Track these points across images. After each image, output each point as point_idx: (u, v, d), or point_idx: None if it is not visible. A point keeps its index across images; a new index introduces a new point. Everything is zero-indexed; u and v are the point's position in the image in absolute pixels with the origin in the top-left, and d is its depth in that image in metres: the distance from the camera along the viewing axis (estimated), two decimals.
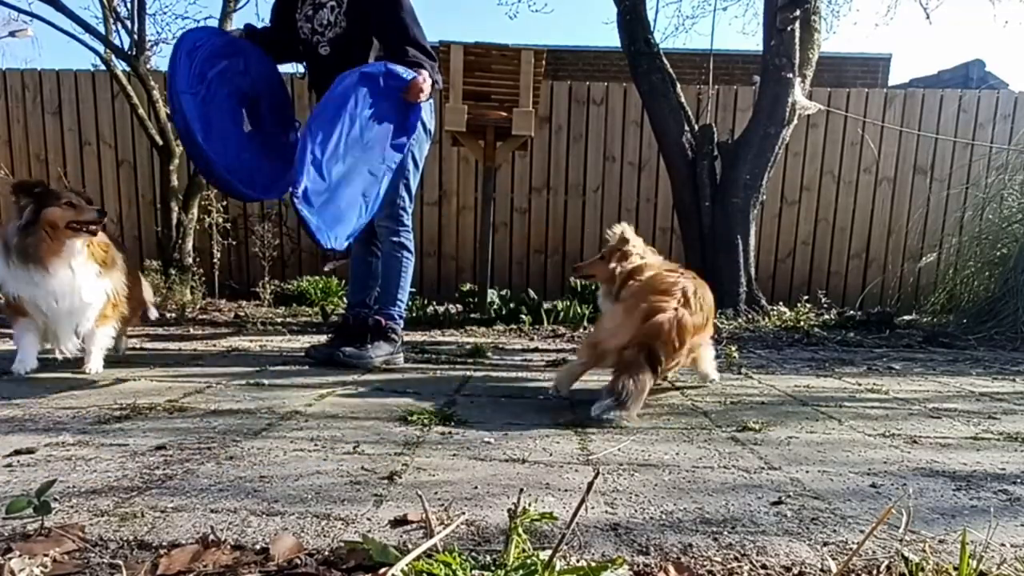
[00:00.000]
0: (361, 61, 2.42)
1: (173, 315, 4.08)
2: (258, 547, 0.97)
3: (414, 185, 2.72)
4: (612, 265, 2.25)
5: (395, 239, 2.68)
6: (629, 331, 1.89)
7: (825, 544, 1.03)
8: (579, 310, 4.26)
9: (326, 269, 2.66)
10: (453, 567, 0.84)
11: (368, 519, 1.09)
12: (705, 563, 0.96)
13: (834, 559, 0.97)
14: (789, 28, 4.19)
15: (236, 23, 5.33)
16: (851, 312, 4.57)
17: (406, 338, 3.01)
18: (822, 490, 1.28)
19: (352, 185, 2.34)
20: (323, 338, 3.00)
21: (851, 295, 5.94)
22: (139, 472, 1.29)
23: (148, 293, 2.86)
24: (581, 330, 3.94)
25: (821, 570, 0.95)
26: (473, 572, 0.86)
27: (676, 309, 1.91)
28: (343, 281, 5.16)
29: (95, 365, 2.33)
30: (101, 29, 4.87)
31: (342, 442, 1.54)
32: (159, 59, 7.45)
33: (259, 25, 2.88)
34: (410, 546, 0.95)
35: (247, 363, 2.64)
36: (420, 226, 5.90)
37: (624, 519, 1.11)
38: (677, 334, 1.88)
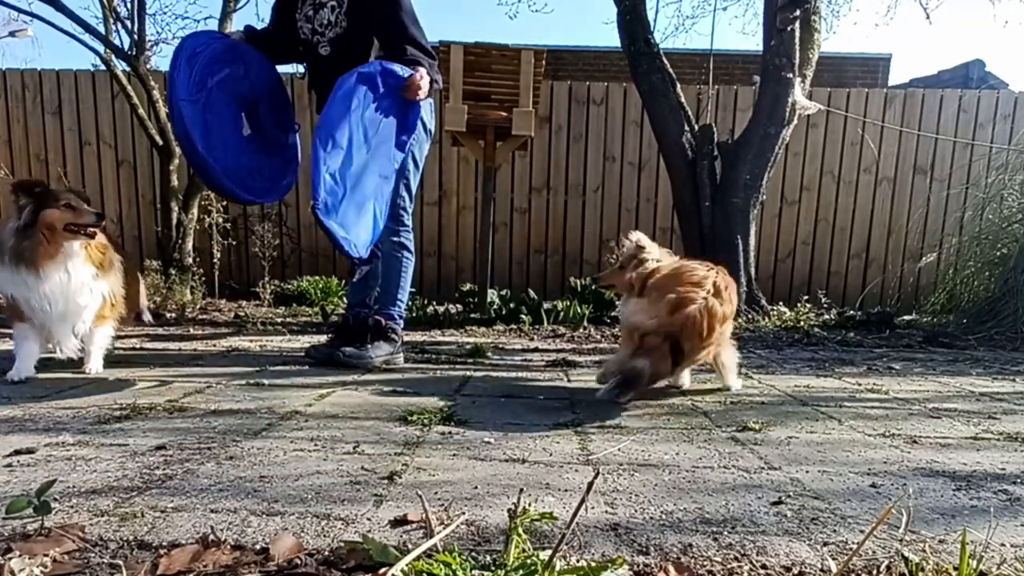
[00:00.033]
0: (361, 61, 2.42)
1: (173, 315, 4.08)
2: (258, 547, 0.97)
3: (414, 185, 2.72)
4: (629, 275, 2.25)
5: (395, 239, 2.68)
6: (655, 318, 1.94)
7: (825, 544, 1.03)
8: (579, 310, 4.26)
9: (355, 279, 2.68)
10: (453, 567, 0.84)
11: (368, 519, 1.09)
12: (705, 563, 0.96)
13: (834, 559, 0.97)
14: (789, 28, 4.19)
15: (236, 23, 5.34)
16: (851, 312, 4.58)
17: (406, 338, 3.01)
18: (822, 490, 1.28)
19: (367, 189, 2.35)
20: (323, 338, 3.00)
21: (851, 295, 5.94)
22: (139, 472, 1.29)
23: (143, 298, 2.87)
24: (581, 330, 3.94)
25: (821, 570, 0.95)
26: (473, 572, 0.86)
27: (705, 299, 1.95)
28: (343, 281, 5.16)
29: (95, 365, 2.33)
30: (101, 29, 4.87)
31: (342, 442, 1.54)
32: (159, 59, 7.45)
33: (259, 26, 2.88)
34: (410, 546, 0.95)
35: (247, 363, 2.64)
36: (420, 226, 5.90)
37: (624, 519, 1.11)
38: (707, 323, 1.92)
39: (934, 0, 12.06)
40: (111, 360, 2.47)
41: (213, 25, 5.48)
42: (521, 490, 1.08)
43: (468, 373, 2.53)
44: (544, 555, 0.86)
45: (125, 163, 5.98)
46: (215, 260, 5.30)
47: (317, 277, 5.35)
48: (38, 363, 2.25)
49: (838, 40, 30.10)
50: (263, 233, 5.07)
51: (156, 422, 1.69)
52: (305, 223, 6.02)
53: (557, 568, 0.84)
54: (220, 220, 5.41)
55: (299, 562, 0.93)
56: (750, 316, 4.42)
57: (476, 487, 1.25)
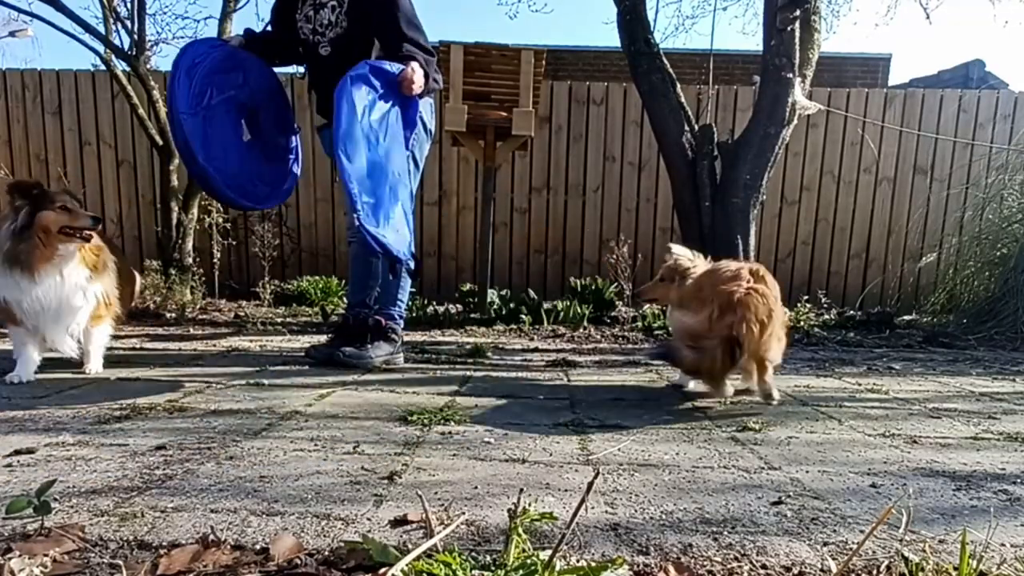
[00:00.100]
0: (362, 61, 2.42)
1: (173, 315, 4.08)
2: (258, 547, 0.97)
3: (414, 185, 2.72)
4: (676, 289, 2.25)
5: None
6: (706, 324, 1.93)
7: (825, 544, 1.03)
8: (579, 310, 4.26)
9: (393, 279, 2.69)
10: (453, 567, 0.84)
11: (368, 519, 1.09)
12: (705, 563, 0.96)
13: (834, 559, 0.97)
14: (789, 28, 4.18)
15: (236, 23, 5.33)
16: (851, 312, 4.58)
17: (406, 338, 3.01)
18: (822, 490, 1.28)
19: (394, 188, 2.37)
20: (323, 338, 3.00)
21: (851, 295, 5.94)
22: (139, 472, 1.29)
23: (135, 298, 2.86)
24: (581, 330, 3.94)
25: (821, 570, 0.95)
26: (473, 572, 0.86)
27: (748, 283, 1.94)
28: (343, 281, 5.16)
29: (95, 365, 2.33)
30: (101, 29, 4.86)
31: (342, 442, 1.54)
32: (159, 59, 7.45)
33: (259, 27, 2.89)
34: (410, 546, 0.95)
35: (247, 363, 2.64)
36: (420, 226, 5.90)
37: (624, 519, 1.11)
38: (763, 305, 1.89)
39: (934, 0, 12.05)
40: (111, 360, 2.47)
41: (213, 25, 5.48)
42: (521, 490, 1.08)
43: (468, 373, 2.53)
44: (544, 555, 0.86)
45: (125, 163, 5.98)
46: (215, 260, 5.29)
47: (317, 277, 5.35)
48: (34, 378, 2.20)
49: (838, 40, 30.12)
50: (263, 233, 5.07)
51: (156, 422, 1.69)
52: (305, 223, 6.03)
53: (557, 568, 0.84)
54: (220, 220, 5.41)
55: (299, 562, 0.93)
56: None
57: (476, 487, 1.25)
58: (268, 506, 1.13)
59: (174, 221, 5.01)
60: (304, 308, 4.79)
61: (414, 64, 2.40)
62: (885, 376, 2.68)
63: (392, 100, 2.38)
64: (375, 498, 1.18)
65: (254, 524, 1.06)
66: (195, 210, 5.08)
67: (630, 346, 3.46)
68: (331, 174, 5.29)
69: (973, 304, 4.37)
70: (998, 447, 1.63)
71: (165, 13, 9.08)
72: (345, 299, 4.53)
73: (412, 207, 2.72)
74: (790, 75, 4.26)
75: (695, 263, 2.28)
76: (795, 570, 0.95)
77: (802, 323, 4.18)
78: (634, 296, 2.60)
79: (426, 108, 2.66)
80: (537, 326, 4.07)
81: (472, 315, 4.23)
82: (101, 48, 4.86)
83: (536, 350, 3.22)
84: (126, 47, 4.85)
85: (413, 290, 3.45)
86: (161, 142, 4.92)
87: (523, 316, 4.12)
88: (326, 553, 0.96)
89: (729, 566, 0.95)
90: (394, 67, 2.38)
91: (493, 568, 0.87)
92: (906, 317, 4.75)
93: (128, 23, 4.89)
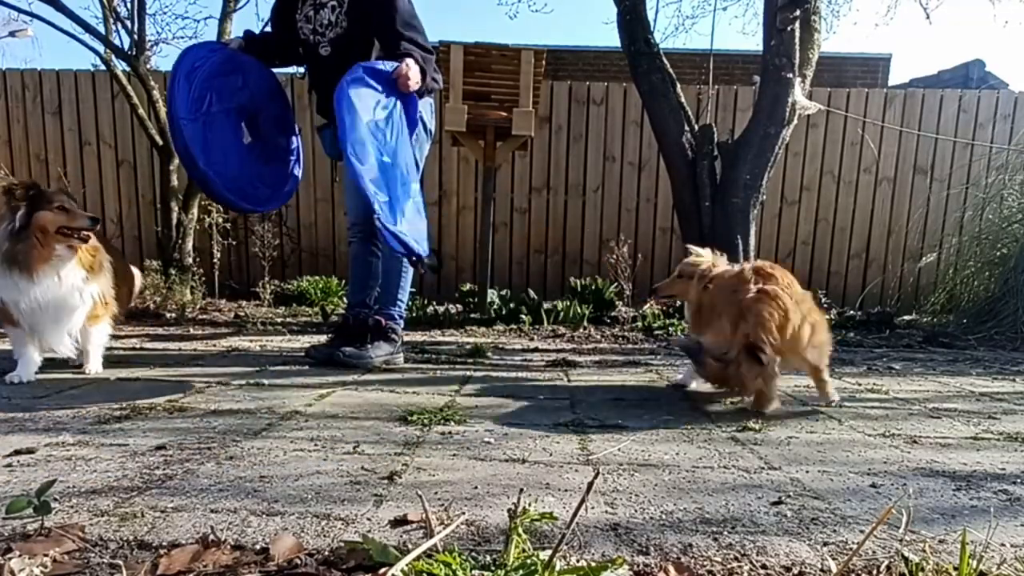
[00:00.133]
0: (362, 61, 2.42)
1: (173, 315, 4.08)
2: (258, 547, 0.97)
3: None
4: (694, 287, 2.23)
5: None
6: (721, 337, 1.92)
7: (825, 544, 1.03)
8: (579, 310, 4.26)
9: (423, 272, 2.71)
10: (453, 567, 0.84)
11: (368, 519, 1.09)
12: (705, 563, 0.96)
13: (834, 559, 0.97)
14: (789, 28, 4.18)
15: (236, 23, 5.33)
16: (851, 312, 4.58)
17: (406, 338, 3.01)
18: (822, 490, 1.28)
19: (407, 185, 2.38)
20: (323, 338, 3.00)
21: (851, 295, 5.94)
22: (139, 472, 1.29)
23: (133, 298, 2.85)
24: (581, 330, 3.94)
25: (821, 570, 0.95)
26: (473, 572, 0.86)
27: (755, 284, 1.92)
28: (343, 281, 5.16)
29: (94, 365, 2.32)
30: (101, 29, 4.86)
31: (342, 442, 1.54)
32: (159, 59, 7.45)
33: (259, 27, 2.89)
34: (410, 546, 0.95)
35: (247, 363, 2.64)
36: None
37: (624, 519, 1.11)
38: (775, 306, 1.87)
39: (934, 0, 12.06)
40: (111, 360, 2.47)
41: (213, 25, 5.48)
42: (521, 490, 1.08)
43: (468, 373, 2.53)
44: (544, 555, 0.86)
45: (125, 163, 5.98)
46: (215, 260, 5.29)
47: (317, 277, 5.35)
48: (35, 379, 2.19)
49: (838, 40, 30.13)
50: (263, 233, 5.07)
51: (156, 422, 1.69)
52: (305, 223, 6.03)
53: (557, 568, 0.84)
54: (220, 220, 5.41)
55: (299, 562, 0.93)
56: None
57: (476, 487, 1.25)
58: (268, 506, 1.13)
59: (174, 221, 5.01)
60: (304, 308, 4.79)
61: (409, 60, 2.39)
62: (885, 376, 2.68)
63: (393, 97, 2.38)
64: (375, 498, 1.18)
65: (254, 524, 1.06)
66: (195, 210, 5.08)
67: (630, 346, 3.46)
68: (331, 174, 5.29)
69: (973, 304, 4.37)
70: (998, 447, 1.63)
71: (165, 13, 9.09)
72: (345, 299, 4.54)
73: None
74: (790, 75, 4.26)
75: (713, 260, 2.26)
76: (795, 570, 0.95)
77: None
78: (651, 292, 2.54)
79: (426, 108, 2.66)
80: (537, 326, 4.07)
81: (472, 315, 4.23)
82: (101, 48, 4.87)
83: (536, 350, 3.22)
84: (126, 47, 4.85)
85: (413, 290, 3.44)
86: (161, 142, 4.92)
87: (523, 316, 4.12)
88: (326, 553, 0.96)
89: (729, 566, 0.95)
90: (388, 65, 2.38)
91: (493, 568, 0.87)
92: (906, 317, 4.75)
93: (128, 23, 4.89)
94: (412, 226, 2.34)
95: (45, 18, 4.64)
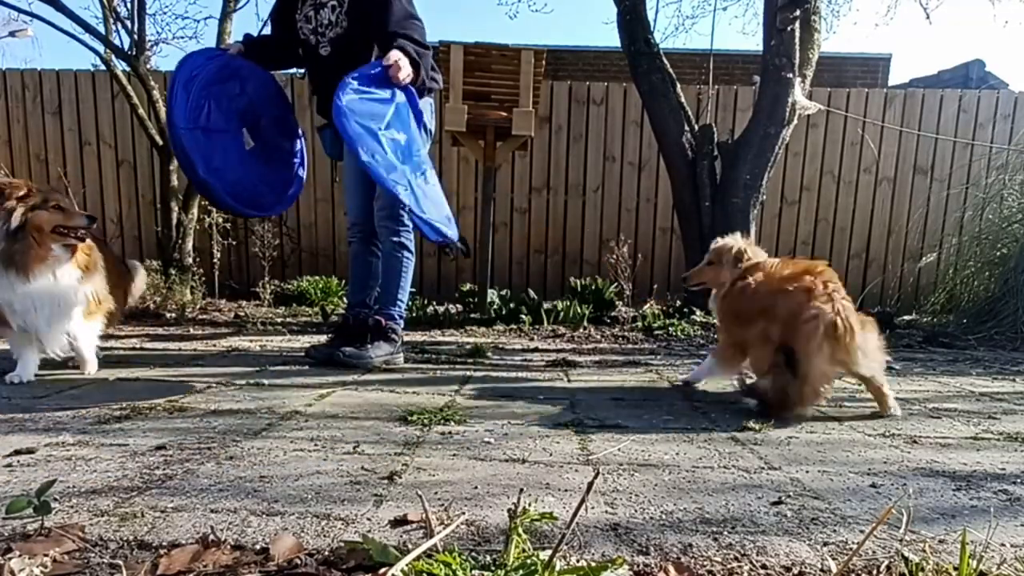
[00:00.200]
0: (363, 61, 2.42)
1: (173, 315, 4.08)
2: (258, 547, 0.97)
3: None
4: (726, 271, 2.21)
5: (395, 239, 2.68)
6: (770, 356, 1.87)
7: (825, 544, 1.03)
8: (579, 310, 4.26)
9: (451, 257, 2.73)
10: (453, 567, 0.84)
11: (368, 519, 1.09)
12: (705, 563, 0.96)
13: (834, 559, 0.97)
14: (789, 28, 4.18)
15: (236, 23, 5.33)
16: None
17: (406, 338, 3.01)
18: (822, 490, 1.28)
19: (424, 175, 2.39)
20: (323, 338, 3.00)
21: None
22: (139, 472, 1.29)
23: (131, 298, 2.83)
24: (581, 330, 3.94)
25: (821, 570, 0.95)
26: (473, 572, 0.86)
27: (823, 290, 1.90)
28: (343, 281, 5.16)
29: (90, 365, 2.31)
30: (101, 29, 4.86)
31: (342, 442, 1.54)
32: (159, 59, 7.44)
33: (259, 27, 2.90)
34: (410, 546, 0.95)
35: (247, 363, 2.64)
36: None
37: (624, 519, 1.11)
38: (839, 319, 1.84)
39: (934, 0, 12.06)
40: (111, 360, 2.47)
41: (213, 25, 5.48)
42: (521, 490, 1.08)
43: (468, 373, 2.53)
44: (544, 555, 0.86)
45: (125, 163, 5.98)
46: (215, 260, 5.29)
47: (317, 277, 5.35)
48: (34, 378, 2.19)
49: (838, 40, 30.13)
50: (263, 233, 5.07)
51: (156, 422, 1.69)
52: (305, 223, 6.03)
53: (557, 568, 0.84)
54: (220, 220, 5.41)
55: (299, 562, 0.93)
56: None
57: (476, 487, 1.25)
58: (268, 506, 1.13)
59: (174, 221, 5.01)
60: (304, 308, 4.79)
61: (394, 52, 2.36)
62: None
63: (391, 92, 2.37)
64: (375, 498, 1.18)
65: (254, 524, 1.06)
66: (195, 210, 5.08)
67: (630, 346, 3.46)
68: (331, 174, 5.29)
69: (973, 304, 4.37)
70: (998, 447, 1.63)
71: (165, 13, 9.09)
72: (345, 299, 4.54)
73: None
74: (790, 75, 4.26)
75: (746, 244, 2.24)
76: (795, 570, 0.95)
77: None
78: (682, 280, 2.50)
79: (426, 108, 2.66)
80: (537, 326, 4.07)
81: (472, 315, 4.23)
82: (101, 48, 4.86)
83: (536, 350, 3.22)
84: (126, 47, 4.85)
85: (413, 290, 3.44)
86: (161, 142, 4.92)
87: (523, 316, 4.12)
88: (326, 553, 0.96)
89: (729, 566, 0.95)
90: (375, 66, 2.35)
91: (493, 568, 0.87)
92: (906, 317, 4.75)
93: (128, 23, 4.89)
94: (438, 210, 2.37)
95: (45, 18, 4.63)
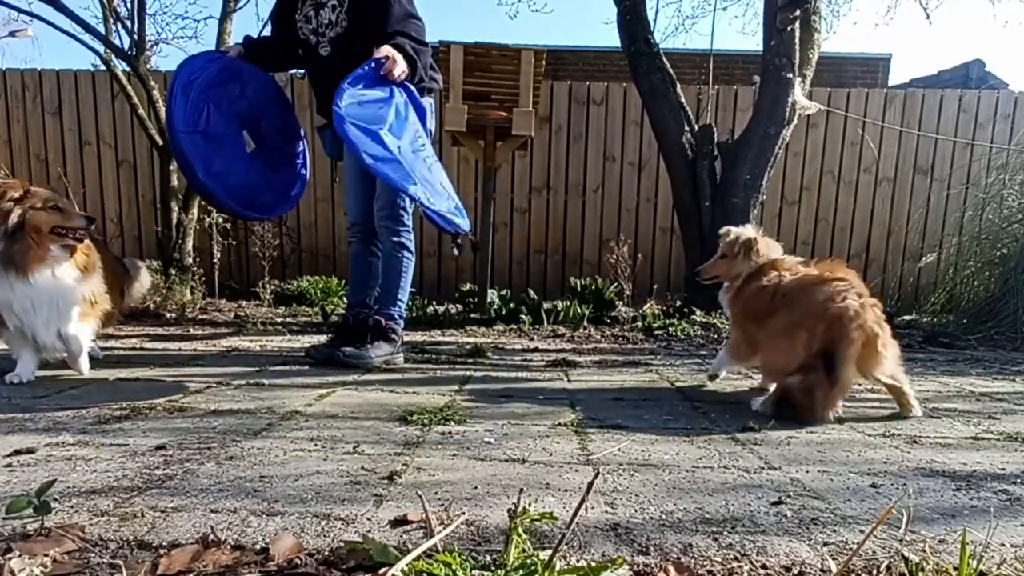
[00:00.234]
0: (363, 60, 2.41)
1: (173, 315, 4.08)
2: (258, 547, 0.97)
3: None
4: (740, 263, 2.19)
5: (395, 239, 2.68)
6: (800, 356, 1.86)
7: (825, 544, 1.03)
8: (579, 310, 4.26)
9: (456, 254, 2.73)
10: (453, 567, 0.84)
11: (368, 519, 1.09)
12: (705, 563, 0.96)
13: (834, 559, 0.97)
14: (789, 28, 4.19)
15: (236, 23, 5.33)
16: None
17: (406, 338, 3.01)
18: (822, 490, 1.28)
19: (431, 168, 2.39)
20: (323, 338, 3.00)
21: None
22: (139, 472, 1.29)
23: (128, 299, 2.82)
24: (581, 330, 3.94)
25: (821, 570, 0.95)
26: (473, 572, 0.86)
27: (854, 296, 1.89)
28: (343, 281, 5.16)
29: (83, 366, 2.27)
30: (101, 29, 4.86)
31: (342, 442, 1.54)
32: (159, 59, 7.44)
33: (259, 27, 2.90)
34: (410, 546, 0.95)
35: (247, 363, 2.64)
36: (420, 226, 5.89)
37: (624, 519, 1.11)
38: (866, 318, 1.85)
39: (934, 0, 12.06)
40: (111, 360, 2.47)
41: (213, 25, 5.48)
42: (521, 490, 1.08)
43: (468, 373, 2.53)
44: (544, 555, 0.86)
45: (125, 163, 5.98)
46: (215, 260, 5.29)
47: (317, 277, 5.35)
48: (34, 378, 2.19)
49: (838, 40, 30.14)
50: (263, 233, 5.07)
51: (156, 422, 1.69)
52: (305, 223, 6.03)
53: (557, 568, 0.84)
54: (220, 220, 5.41)
55: (299, 562, 0.93)
56: None
57: (476, 487, 1.25)
58: (268, 506, 1.13)
59: (174, 221, 5.01)
60: (304, 308, 4.79)
61: (385, 47, 2.35)
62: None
63: (388, 90, 2.37)
64: (375, 498, 1.18)
65: (254, 524, 1.06)
66: (195, 210, 5.08)
67: (630, 346, 3.46)
68: (331, 174, 5.29)
69: (973, 304, 4.37)
70: (998, 447, 1.63)
71: (165, 13, 9.10)
72: (345, 299, 4.54)
73: (411, 207, 2.70)
74: (790, 75, 4.26)
75: (758, 234, 2.23)
76: (795, 570, 0.95)
77: None
78: (695, 274, 2.48)
79: (426, 108, 2.66)
80: (537, 326, 4.07)
81: (472, 315, 4.23)
82: (101, 48, 4.86)
83: (536, 350, 3.22)
84: (126, 47, 4.85)
85: (413, 290, 3.45)
86: (161, 142, 4.92)
87: (523, 316, 4.12)
88: (326, 553, 0.96)
89: (729, 566, 0.95)
90: (366, 66, 2.32)
91: (493, 568, 0.87)
92: (906, 317, 4.75)
93: (128, 23, 4.89)
94: (447, 201, 2.37)
95: (45, 18, 4.63)
